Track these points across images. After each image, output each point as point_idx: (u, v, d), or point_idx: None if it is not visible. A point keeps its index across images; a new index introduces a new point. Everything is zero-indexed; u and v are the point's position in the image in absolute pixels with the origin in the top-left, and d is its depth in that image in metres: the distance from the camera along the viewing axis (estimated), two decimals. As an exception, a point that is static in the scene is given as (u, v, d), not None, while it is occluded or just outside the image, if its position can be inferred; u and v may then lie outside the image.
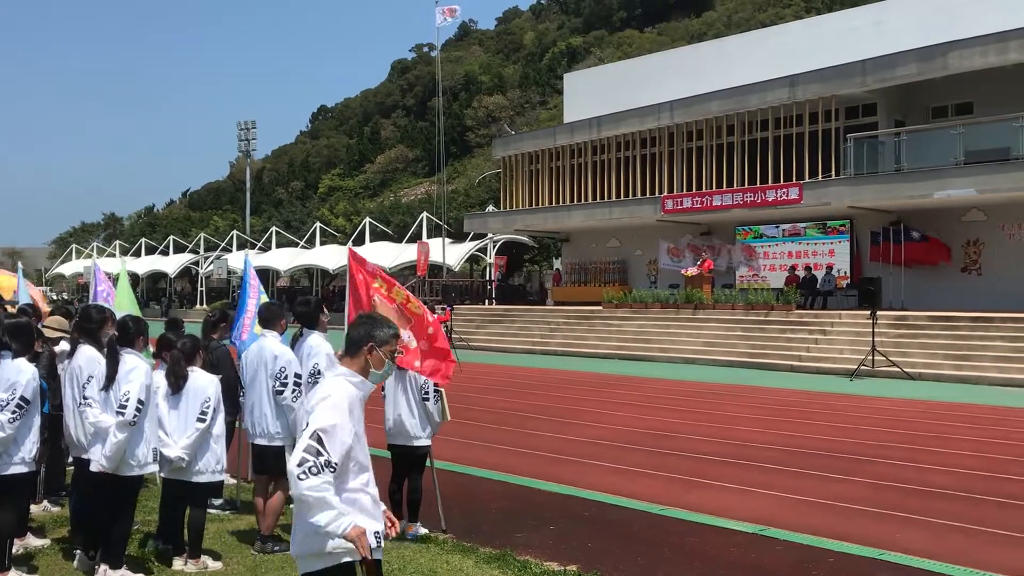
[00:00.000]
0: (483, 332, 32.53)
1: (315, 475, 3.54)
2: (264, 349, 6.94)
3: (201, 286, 63.97)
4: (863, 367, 20.99)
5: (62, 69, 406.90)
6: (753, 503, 8.89)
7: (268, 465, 6.94)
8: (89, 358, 6.40)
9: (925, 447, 11.99)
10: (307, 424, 3.67)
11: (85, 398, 6.17)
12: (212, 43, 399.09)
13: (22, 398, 5.96)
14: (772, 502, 8.96)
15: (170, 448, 6.26)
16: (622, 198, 34.08)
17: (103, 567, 6.02)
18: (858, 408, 16.08)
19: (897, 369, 20.74)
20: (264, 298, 8.45)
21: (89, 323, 6.60)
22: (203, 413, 6.32)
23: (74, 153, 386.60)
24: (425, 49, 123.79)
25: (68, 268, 77.29)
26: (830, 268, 28.88)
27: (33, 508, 8.06)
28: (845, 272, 28.94)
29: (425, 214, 49.29)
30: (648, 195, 33.14)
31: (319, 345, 7.13)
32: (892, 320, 23.60)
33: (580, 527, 7.95)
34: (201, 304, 60.02)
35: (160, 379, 6.54)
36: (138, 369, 6.03)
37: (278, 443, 6.87)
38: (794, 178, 28.87)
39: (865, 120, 28.38)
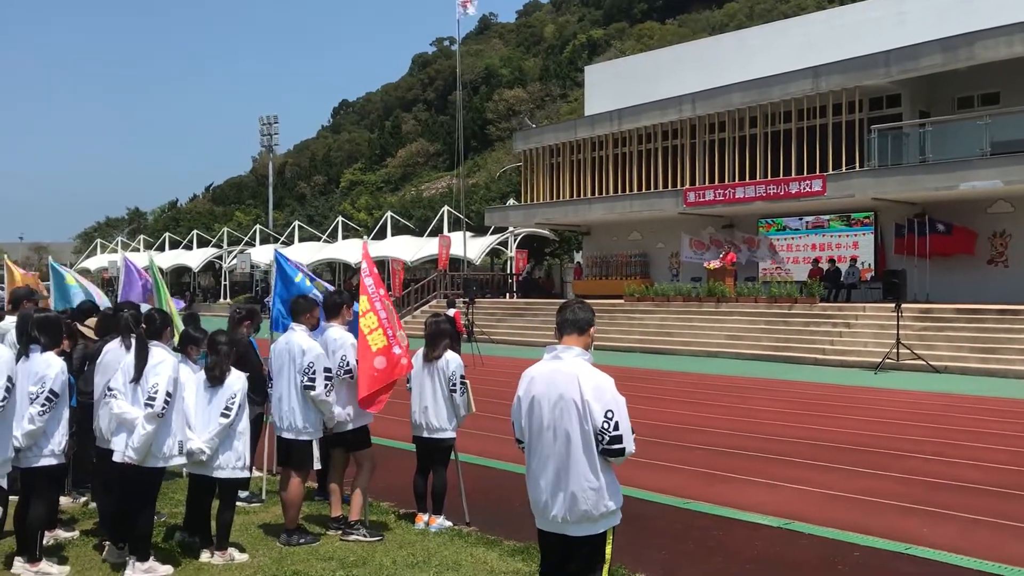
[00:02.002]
0: (504, 326, 32.54)
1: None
2: (292, 343, 6.94)
3: (225, 280, 64.32)
4: (888, 360, 20.83)
5: (85, 67, 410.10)
6: (778, 497, 8.85)
7: (292, 457, 6.97)
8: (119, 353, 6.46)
9: (952, 441, 11.89)
10: (612, 411, 4.18)
11: (110, 389, 6.22)
12: (235, 38, 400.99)
13: (51, 391, 6.02)
14: (797, 496, 8.91)
15: (192, 441, 6.30)
16: (643, 191, 33.96)
17: (131, 559, 6.07)
18: (883, 401, 15.97)
19: (922, 362, 20.58)
20: (319, 285, 8.50)
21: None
22: (227, 408, 6.34)
23: (98, 149, 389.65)
24: (446, 43, 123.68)
25: (93, 263, 77.95)
26: (854, 261, 28.67)
27: (63, 500, 8.16)
28: (869, 265, 28.73)
29: (446, 208, 49.31)
30: (670, 188, 33.01)
31: (342, 337, 7.14)
32: (917, 313, 23.40)
33: (604, 520, 7.93)
34: (225, 298, 60.35)
35: (188, 373, 6.58)
36: (166, 362, 6.08)
37: (305, 437, 6.88)
38: (817, 170, 28.67)
39: (889, 111, 28.11)
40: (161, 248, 73.24)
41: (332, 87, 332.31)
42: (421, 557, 6.60)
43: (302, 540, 6.91)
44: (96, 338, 7.58)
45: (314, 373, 6.76)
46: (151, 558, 6.13)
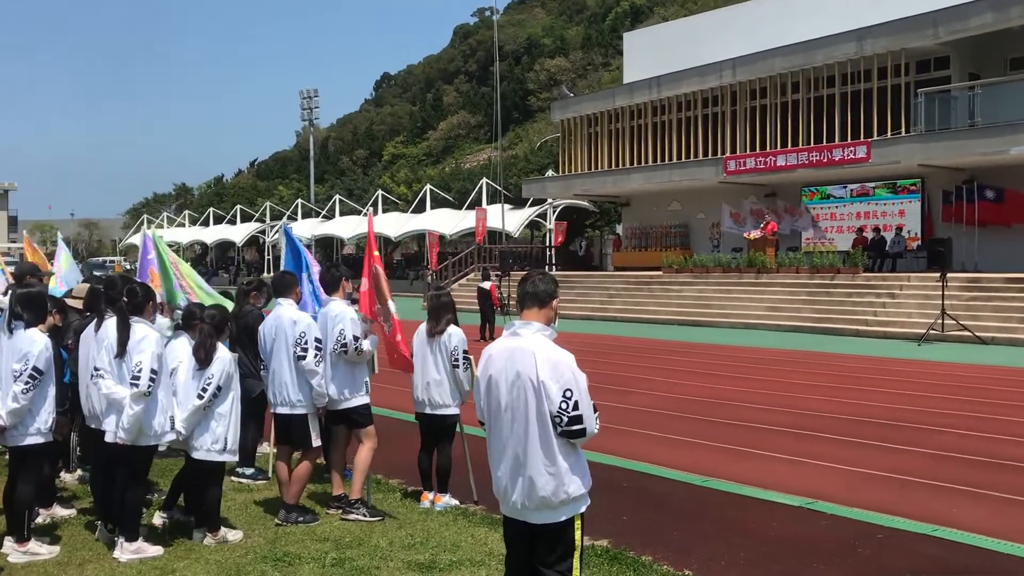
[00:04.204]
0: (542, 298, 32.19)
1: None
2: (281, 317, 6.77)
3: (268, 254, 64.80)
4: (932, 331, 20.18)
5: (136, 46, 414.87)
6: (804, 475, 8.50)
7: (291, 433, 6.78)
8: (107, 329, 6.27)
9: (993, 416, 11.39)
10: (571, 390, 3.90)
11: (96, 369, 6.04)
12: (282, 11, 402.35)
13: (35, 368, 5.87)
14: (824, 474, 8.55)
15: (176, 419, 6.13)
16: (683, 160, 33.31)
17: (120, 539, 5.93)
18: (925, 374, 15.44)
19: (968, 333, 19.91)
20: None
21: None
22: (203, 390, 6.14)
23: (149, 125, 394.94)
24: (487, 13, 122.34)
25: (139, 239, 79.00)
26: (899, 229, 27.84)
27: (67, 477, 8.09)
28: (916, 233, 27.87)
29: (485, 180, 48.93)
30: (710, 156, 32.32)
31: (342, 312, 6.92)
32: (964, 282, 22.65)
33: (617, 499, 7.65)
34: (269, 272, 60.85)
35: (181, 351, 6.39)
36: (148, 338, 5.89)
37: (300, 411, 6.71)
38: (862, 136, 27.82)
39: (937, 74, 27.12)
40: (206, 223, 74.00)
41: (375, 60, 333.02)
42: (420, 538, 6.38)
43: (300, 519, 6.73)
44: (85, 312, 7.41)
45: (306, 343, 6.59)
46: (140, 538, 5.98)
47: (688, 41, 35.16)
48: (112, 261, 64.69)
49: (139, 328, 5.95)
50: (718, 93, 32.47)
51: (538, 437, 3.93)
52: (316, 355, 6.62)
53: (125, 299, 6.02)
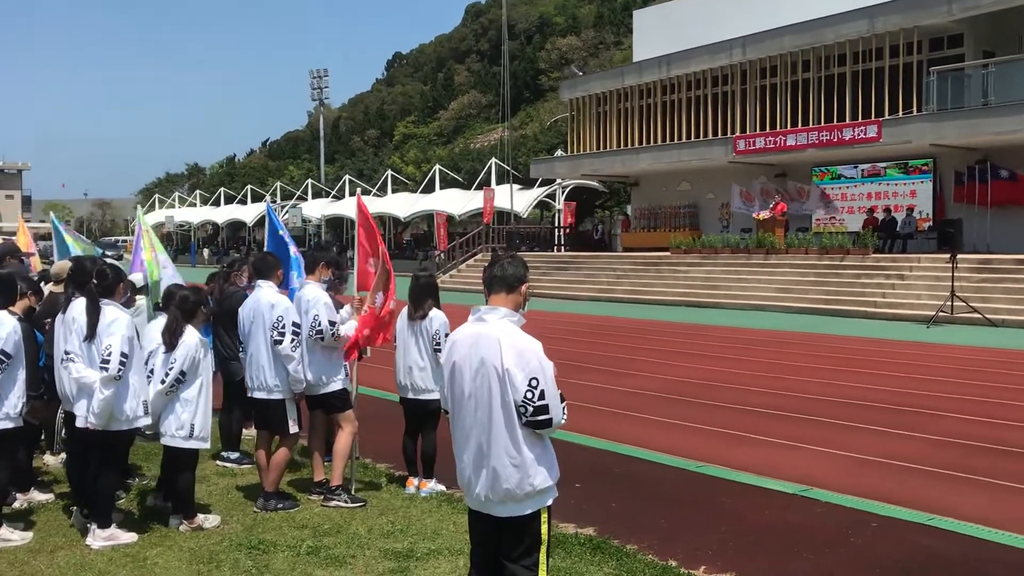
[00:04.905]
0: (548, 279, 32.03)
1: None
2: (259, 300, 6.60)
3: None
4: (941, 313, 19.91)
5: (148, 29, 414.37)
6: (800, 460, 8.32)
7: (269, 419, 6.64)
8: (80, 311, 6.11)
9: (999, 400, 11.16)
10: (537, 378, 3.73)
11: (66, 352, 5.90)
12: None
13: (2, 352, 5.74)
14: (821, 459, 8.37)
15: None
16: (692, 139, 32.99)
17: (92, 525, 5.81)
18: (932, 357, 15.21)
19: (978, 315, 19.63)
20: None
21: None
22: (165, 375, 6.00)
23: (163, 106, 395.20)
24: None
25: (151, 218, 79.13)
26: (911, 210, 27.49)
27: (51, 460, 7.99)
28: (927, 214, 27.52)
29: (494, 160, 48.66)
30: (719, 136, 31.99)
31: (316, 297, 6.75)
32: (975, 264, 22.33)
33: (607, 485, 7.51)
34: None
35: (159, 333, 6.24)
36: (119, 321, 5.74)
37: (277, 396, 6.56)
38: (873, 115, 27.47)
39: (950, 52, 26.70)
40: (217, 203, 74.00)
41: (387, 39, 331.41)
42: (400, 525, 6.24)
43: (280, 505, 6.60)
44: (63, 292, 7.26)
45: (283, 327, 6.42)
46: (113, 525, 5.86)
47: (698, 19, 34.72)
48: (124, 240, 64.68)
49: (109, 310, 5.80)
50: (728, 72, 32.11)
51: (503, 427, 3.77)
52: (293, 340, 6.46)
53: (95, 281, 5.86)
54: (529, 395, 3.70)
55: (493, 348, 3.76)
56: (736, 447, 8.89)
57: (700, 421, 10.11)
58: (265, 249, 8.32)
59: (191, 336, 6.06)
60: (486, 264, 4.15)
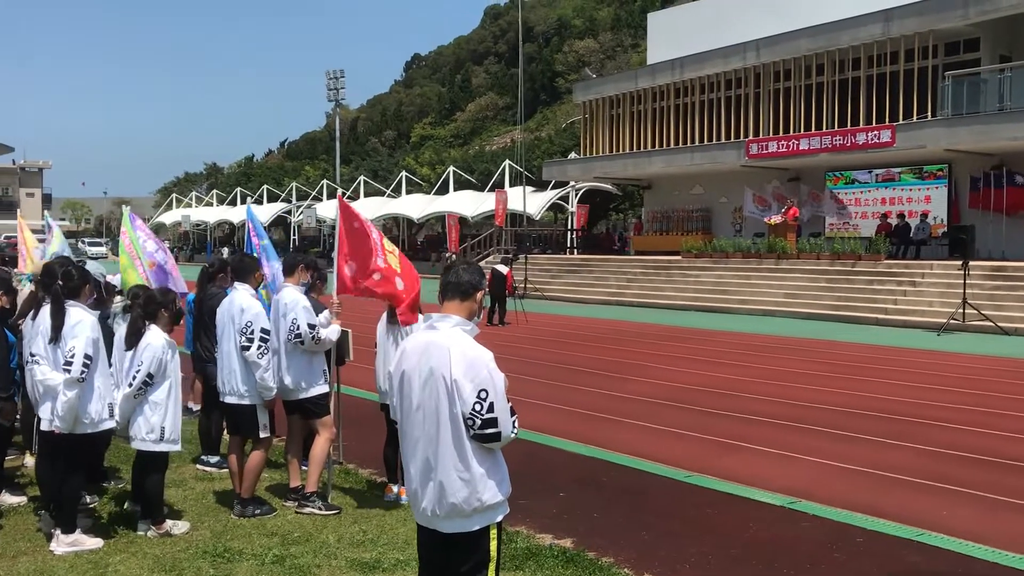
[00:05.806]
0: (559, 282, 31.89)
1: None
2: (233, 303, 6.50)
3: (294, 235, 64.87)
4: (952, 321, 19.63)
5: (170, 29, 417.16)
6: (791, 471, 8.15)
7: (240, 424, 6.54)
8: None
9: (1002, 411, 10.93)
10: (486, 390, 3.59)
11: (32, 354, 5.82)
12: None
13: (-32, 353, 5.67)
14: (812, 470, 8.19)
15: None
16: (705, 143, 32.74)
17: (56, 531, 5.72)
18: (939, 366, 14.96)
19: (990, 323, 19.33)
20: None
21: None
22: (133, 378, 5.90)
23: (184, 105, 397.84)
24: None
25: (168, 217, 79.59)
26: (924, 216, 27.15)
27: (30, 462, 7.90)
28: (942, 220, 27.18)
29: (508, 162, 48.52)
30: (732, 139, 31.73)
31: (294, 300, 6.63)
32: (988, 271, 22.02)
33: (591, 494, 7.36)
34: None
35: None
36: (84, 322, 5.65)
37: (247, 402, 6.44)
38: (887, 120, 27.15)
39: (966, 56, 26.36)
40: (233, 203, 74.18)
41: (406, 41, 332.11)
42: (372, 535, 6.12)
43: (256, 511, 6.49)
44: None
45: (252, 333, 6.30)
46: (78, 530, 5.77)
47: (712, 22, 34.48)
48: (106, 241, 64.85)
49: (74, 312, 5.72)
50: (741, 75, 31.86)
51: (451, 439, 3.63)
52: (261, 347, 6.34)
53: (60, 283, 5.77)
54: (477, 407, 3.57)
55: (443, 357, 3.64)
56: (728, 456, 8.72)
57: (696, 429, 9.94)
58: (244, 251, 8.21)
59: (157, 338, 5.97)
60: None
